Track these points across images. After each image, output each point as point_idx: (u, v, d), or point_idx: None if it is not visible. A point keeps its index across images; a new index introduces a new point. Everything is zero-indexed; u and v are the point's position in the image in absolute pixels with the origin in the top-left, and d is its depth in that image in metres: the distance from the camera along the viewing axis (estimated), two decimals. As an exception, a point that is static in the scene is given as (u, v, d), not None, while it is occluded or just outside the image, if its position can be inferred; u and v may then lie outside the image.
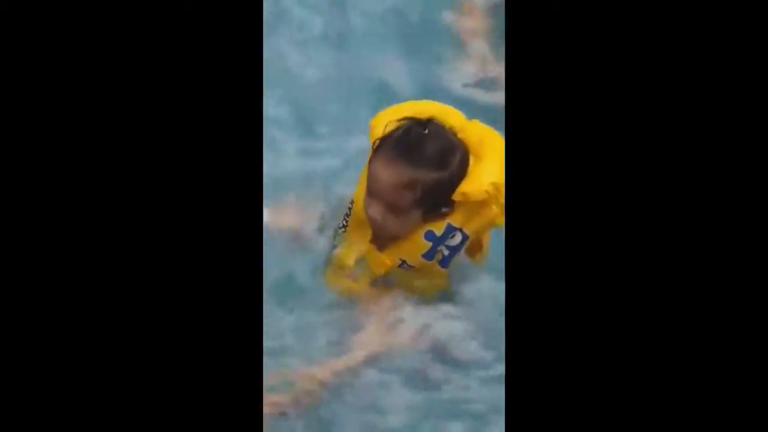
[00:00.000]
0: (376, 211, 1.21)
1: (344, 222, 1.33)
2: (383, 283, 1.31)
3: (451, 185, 1.19)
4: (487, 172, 1.19)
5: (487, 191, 1.17)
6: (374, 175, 1.20)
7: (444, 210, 1.21)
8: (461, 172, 1.21)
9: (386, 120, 1.22)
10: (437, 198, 1.21)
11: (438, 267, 1.27)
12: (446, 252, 1.25)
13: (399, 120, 1.23)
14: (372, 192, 1.21)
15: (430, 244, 1.23)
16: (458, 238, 1.23)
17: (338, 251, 1.33)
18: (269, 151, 1.37)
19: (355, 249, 1.30)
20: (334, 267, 1.33)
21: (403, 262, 1.27)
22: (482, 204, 1.19)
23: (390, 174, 1.17)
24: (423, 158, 1.18)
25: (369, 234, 1.28)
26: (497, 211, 1.17)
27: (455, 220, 1.22)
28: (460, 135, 1.24)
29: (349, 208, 1.31)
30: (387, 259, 1.28)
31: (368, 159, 1.23)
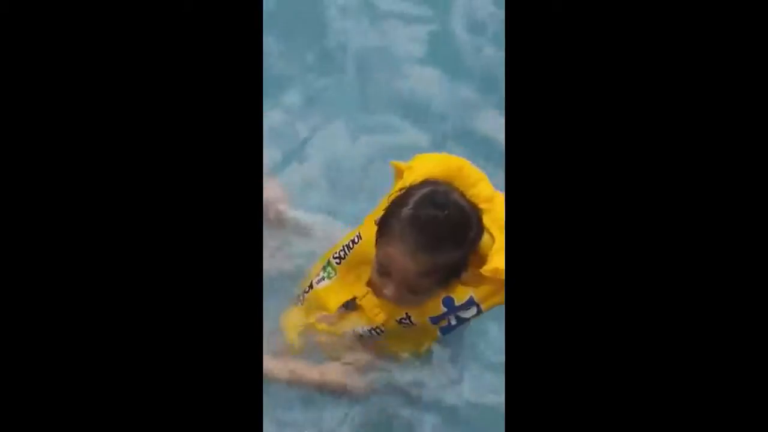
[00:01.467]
0: (392, 291, 1.13)
1: (340, 255, 1.19)
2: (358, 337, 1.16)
3: (468, 255, 1.13)
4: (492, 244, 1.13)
5: None
6: (391, 262, 1.11)
7: (463, 276, 1.15)
8: (479, 238, 1.14)
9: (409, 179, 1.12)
10: (456, 271, 1.14)
11: (436, 331, 1.19)
12: (454, 321, 1.17)
13: (408, 188, 1.12)
14: (387, 274, 1.12)
15: (445, 310, 1.16)
16: (473, 311, 1.17)
17: (319, 288, 1.19)
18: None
19: (346, 290, 1.18)
20: (306, 306, 1.19)
21: (408, 317, 1.17)
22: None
23: (410, 263, 1.09)
24: (444, 242, 1.10)
25: (367, 275, 1.17)
26: None
27: (476, 292, 1.15)
28: (474, 200, 1.14)
29: (353, 244, 1.20)
30: (386, 309, 1.16)
31: (378, 230, 1.13)
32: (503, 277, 1.07)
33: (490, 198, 1.17)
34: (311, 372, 1.13)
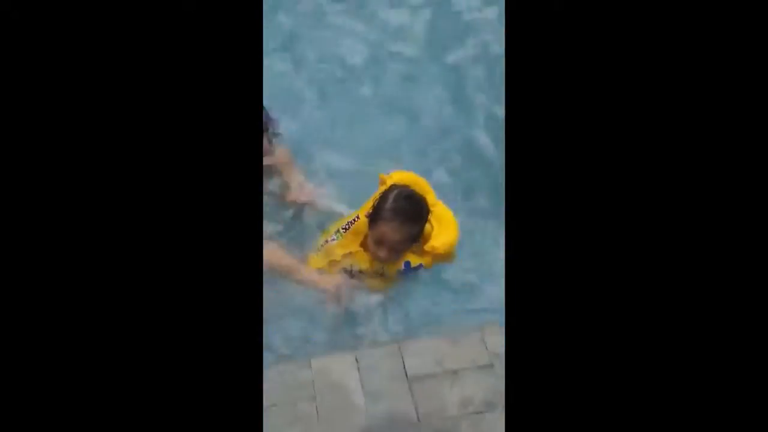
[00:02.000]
0: (384, 253, 1.84)
1: (346, 227, 1.92)
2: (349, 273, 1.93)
3: (422, 231, 1.86)
4: (445, 235, 1.87)
5: (447, 251, 1.87)
6: (385, 236, 1.80)
7: (414, 247, 1.89)
8: (427, 221, 1.87)
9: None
10: (416, 239, 1.87)
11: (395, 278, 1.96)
12: (408, 272, 1.94)
13: (386, 190, 1.84)
14: (382, 243, 1.82)
15: (404, 267, 1.91)
16: (419, 268, 1.93)
17: (332, 245, 1.93)
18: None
19: (346, 247, 1.91)
20: (322, 253, 1.94)
21: (382, 268, 1.92)
22: (441, 257, 1.89)
23: (400, 235, 1.81)
24: (418, 219, 1.83)
25: (359, 241, 1.90)
26: (447, 260, 1.92)
27: (422, 260, 1.90)
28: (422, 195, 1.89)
29: (354, 221, 1.90)
30: (370, 261, 1.90)
31: (369, 219, 1.84)
32: (439, 252, 1.85)
33: (435, 203, 1.91)
34: (317, 278, 1.87)
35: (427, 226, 1.86)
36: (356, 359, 1.65)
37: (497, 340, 1.65)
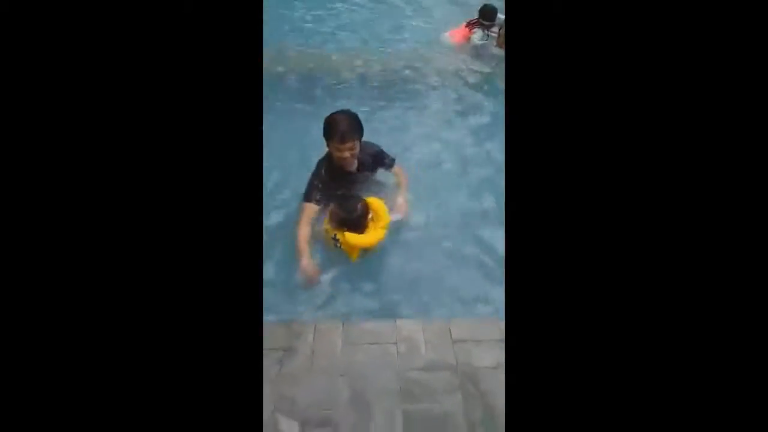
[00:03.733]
0: (335, 226, 2.47)
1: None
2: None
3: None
4: (375, 229, 2.44)
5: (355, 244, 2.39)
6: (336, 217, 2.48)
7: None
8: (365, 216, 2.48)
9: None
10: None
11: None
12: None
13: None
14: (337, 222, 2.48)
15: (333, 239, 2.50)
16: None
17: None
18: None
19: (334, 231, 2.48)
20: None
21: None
22: (350, 246, 2.43)
23: (343, 215, 2.44)
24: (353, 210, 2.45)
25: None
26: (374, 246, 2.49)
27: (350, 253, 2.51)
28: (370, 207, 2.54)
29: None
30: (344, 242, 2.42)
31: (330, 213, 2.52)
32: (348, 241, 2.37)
33: (382, 216, 2.49)
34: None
35: (370, 224, 2.43)
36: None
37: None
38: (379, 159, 2.66)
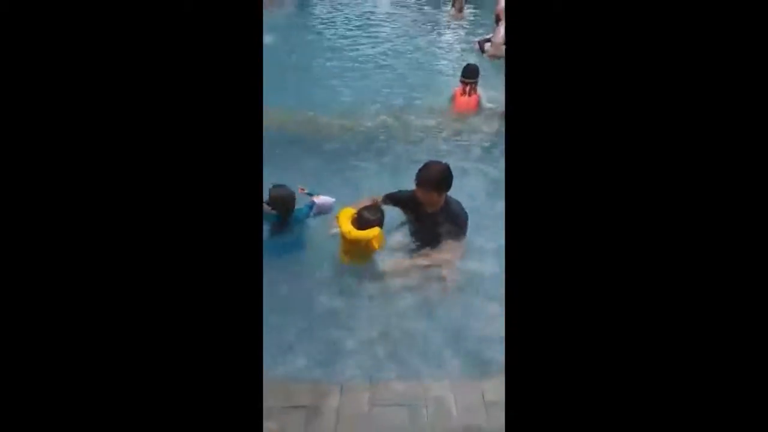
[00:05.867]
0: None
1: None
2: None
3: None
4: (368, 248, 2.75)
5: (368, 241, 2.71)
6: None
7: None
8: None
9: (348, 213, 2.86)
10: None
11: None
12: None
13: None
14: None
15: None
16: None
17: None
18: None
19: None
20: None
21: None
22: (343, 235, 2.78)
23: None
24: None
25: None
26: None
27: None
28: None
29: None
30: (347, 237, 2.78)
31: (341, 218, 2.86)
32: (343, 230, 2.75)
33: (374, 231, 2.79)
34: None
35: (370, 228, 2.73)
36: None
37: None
38: (453, 218, 2.78)
